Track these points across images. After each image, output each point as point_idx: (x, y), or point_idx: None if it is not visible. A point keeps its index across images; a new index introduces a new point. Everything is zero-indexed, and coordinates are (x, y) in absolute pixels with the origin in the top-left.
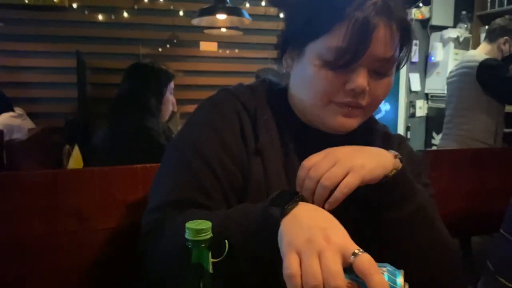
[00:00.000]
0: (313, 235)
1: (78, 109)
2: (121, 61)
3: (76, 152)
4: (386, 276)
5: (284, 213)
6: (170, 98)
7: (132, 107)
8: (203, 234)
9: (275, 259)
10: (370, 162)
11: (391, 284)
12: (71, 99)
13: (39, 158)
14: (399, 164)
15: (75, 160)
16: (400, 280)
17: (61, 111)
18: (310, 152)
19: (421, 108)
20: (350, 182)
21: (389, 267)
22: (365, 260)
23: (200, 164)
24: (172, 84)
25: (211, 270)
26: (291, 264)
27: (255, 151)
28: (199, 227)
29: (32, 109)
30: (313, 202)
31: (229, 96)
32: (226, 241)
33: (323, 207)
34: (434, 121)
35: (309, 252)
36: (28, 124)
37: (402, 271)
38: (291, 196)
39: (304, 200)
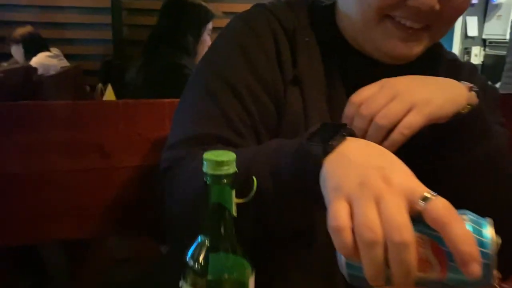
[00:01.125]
0: (368, 176)
1: (114, 51)
2: (158, 1)
3: (109, 90)
4: (469, 226)
5: (327, 150)
6: (207, 39)
7: (167, 44)
8: (225, 168)
9: (312, 208)
10: (438, 96)
11: (477, 236)
12: (106, 41)
13: (69, 96)
14: (474, 99)
15: (108, 98)
16: (488, 231)
17: (96, 53)
18: (361, 84)
19: (477, 56)
20: (413, 121)
21: (470, 215)
22: (440, 206)
23: (227, 94)
24: (210, 25)
25: (234, 213)
26: (338, 214)
27: (293, 80)
28: (219, 159)
29: (67, 50)
30: None
31: (264, 13)
32: (253, 178)
33: None
34: (491, 70)
35: (364, 198)
36: (65, 64)
37: (489, 220)
38: (336, 130)
39: (353, 134)
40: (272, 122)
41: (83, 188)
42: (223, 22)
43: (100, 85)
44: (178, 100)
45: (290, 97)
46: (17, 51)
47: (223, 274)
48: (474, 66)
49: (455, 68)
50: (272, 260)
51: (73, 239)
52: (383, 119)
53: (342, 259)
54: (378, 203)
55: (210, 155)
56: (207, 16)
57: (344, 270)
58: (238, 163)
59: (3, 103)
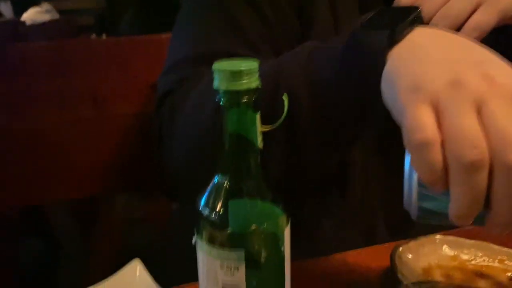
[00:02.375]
0: (462, 73)
1: (107, 4)
2: None
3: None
4: None
5: (394, 39)
6: None
7: None
8: (245, 80)
9: (363, 128)
10: None
11: None
12: None
13: None
14: None
15: None
16: None
17: (90, 7)
18: None
19: None
20: (482, 20)
21: None
22: None
23: (240, 3)
24: None
25: (259, 145)
26: (423, 122)
27: None
28: (236, 68)
29: (60, 6)
30: None
31: None
32: (285, 94)
33: None
34: None
35: (459, 102)
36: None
37: None
38: (401, 15)
39: (423, 22)
40: (295, 36)
41: (76, 141)
42: None
43: (94, 36)
44: None
45: (317, 5)
46: (6, 8)
47: (249, 225)
48: None
49: None
50: (300, 208)
51: (75, 198)
52: (443, 20)
53: (413, 188)
54: (479, 110)
55: (223, 65)
56: None
57: (413, 202)
58: (262, 75)
59: None
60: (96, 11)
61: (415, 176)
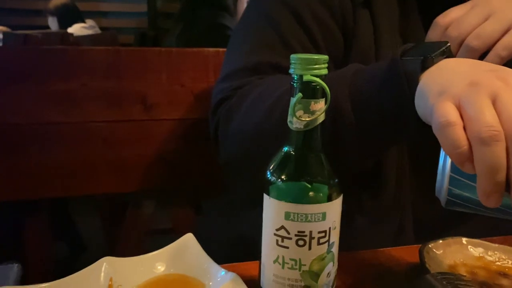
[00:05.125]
0: (480, 76)
1: (149, 23)
2: None
3: None
4: None
5: (427, 65)
6: None
7: (206, 5)
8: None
9: (397, 135)
10: None
11: None
12: (141, 14)
13: None
14: None
15: None
16: None
17: (131, 26)
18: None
19: None
20: None
21: None
22: None
23: (287, 18)
24: None
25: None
26: (447, 110)
27: (363, 2)
28: (309, 57)
29: (102, 23)
30: None
31: None
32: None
33: None
34: None
35: (476, 95)
36: None
37: None
38: (434, 47)
39: (452, 55)
40: (339, 52)
41: (122, 141)
42: None
43: None
44: (222, 49)
45: (360, 21)
46: (52, 23)
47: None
48: None
49: None
50: None
51: (111, 194)
52: (476, 40)
53: (446, 174)
54: (494, 101)
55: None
56: None
57: (444, 188)
58: None
59: (38, 46)
60: (137, 30)
61: (448, 163)
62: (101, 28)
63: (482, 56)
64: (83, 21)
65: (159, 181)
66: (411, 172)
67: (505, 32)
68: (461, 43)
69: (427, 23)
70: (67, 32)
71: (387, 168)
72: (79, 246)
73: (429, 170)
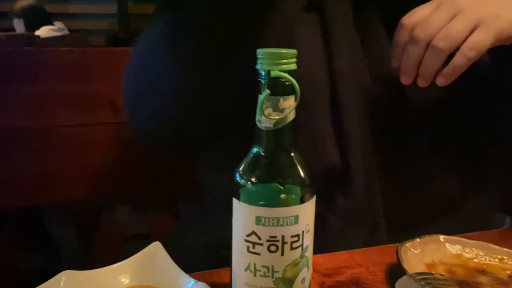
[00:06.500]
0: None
1: (119, 25)
2: None
3: None
4: None
5: None
6: None
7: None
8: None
9: None
10: (509, 10)
11: None
12: (111, 15)
13: None
14: None
15: None
16: None
17: (102, 28)
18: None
19: None
20: (479, 41)
21: None
22: None
23: None
24: None
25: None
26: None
27: None
28: (276, 51)
29: (72, 25)
30: (417, 76)
31: None
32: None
33: (434, 82)
34: None
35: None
36: None
37: None
38: None
39: None
40: None
41: (92, 145)
42: None
43: None
44: None
45: None
46: (18, 26)
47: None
48: None
49: None
50: None
51: (82, 201)
52: (442, 41)
53: None
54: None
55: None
56: None
57: None
58: None
59: (1, 49)
60: (108, 31)
61: None
62: (70, 31)
63: (450, 57)
64: (51, 23)
65: (132, 185)
66: (380, 169)
67: (472, 31)
68: (428, 44)
69: (391, 27)
70: (33, 34)
71: (354, 161)
72: (54, 256)
73: (397, 164)
